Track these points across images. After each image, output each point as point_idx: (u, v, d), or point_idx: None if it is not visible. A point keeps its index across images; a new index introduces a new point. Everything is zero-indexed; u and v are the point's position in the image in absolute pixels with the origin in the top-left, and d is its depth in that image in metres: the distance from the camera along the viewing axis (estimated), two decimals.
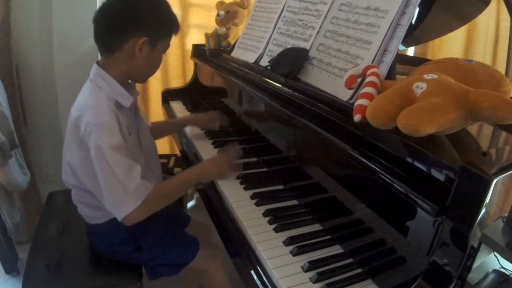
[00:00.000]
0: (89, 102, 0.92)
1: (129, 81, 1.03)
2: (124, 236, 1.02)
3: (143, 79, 1.11)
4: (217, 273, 1.09)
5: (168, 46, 1.02)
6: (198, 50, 1.79)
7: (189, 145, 1.38)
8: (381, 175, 0.68)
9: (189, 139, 1.41)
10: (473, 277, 0.57)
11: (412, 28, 1.20)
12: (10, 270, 1.59)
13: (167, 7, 0.99)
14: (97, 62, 0.99)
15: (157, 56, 1.00)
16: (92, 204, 1.01)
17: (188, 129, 1.48)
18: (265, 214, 0.92)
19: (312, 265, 0.75)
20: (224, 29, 1.66)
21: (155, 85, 2.00)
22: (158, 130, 1.34)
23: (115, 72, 0.96)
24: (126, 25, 0.92)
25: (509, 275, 0.59)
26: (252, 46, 1.34)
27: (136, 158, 0.92)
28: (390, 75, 0.85)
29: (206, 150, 1.30)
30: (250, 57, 1.31)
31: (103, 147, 0.85)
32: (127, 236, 1.02)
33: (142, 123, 1.11)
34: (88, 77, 0.98)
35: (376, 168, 0.69)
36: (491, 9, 1.87)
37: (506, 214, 0.57)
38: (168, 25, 0.99)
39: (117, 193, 0.87)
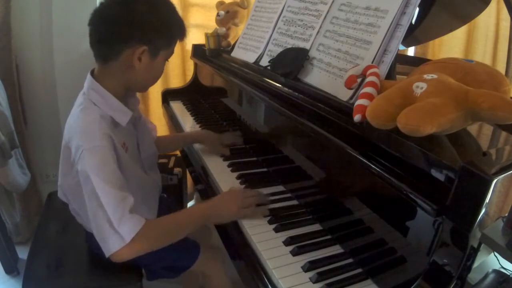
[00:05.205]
0: (80, 124, 0.84)
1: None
2: None
3: (143, 89, 1.04)
4: (217, 276, 1.08)
5: (171, 53, 0.94)
6: (198, 50, 1.79)
7: (189, 146, 1.38)
8: (381, 175, 0.68)
9: None
10: (473, 277, 0.57)
11: (412, 28, 1.20)
12: (10, 270, 1.59)
13: (172, 12, 0.91)
14: (92, 72, 0.91)
15: (159, 65, 0.93)
16: (88, 218, 0.99)
17: (188, 129, 1.48)
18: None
19: (312, 265, 0.75)
20: (224, 29, 1.66)
21: (155, 85, 1.98)
22: (167, 145, 1.29)
23: (111, 84, 0.88)
24: (124, 32, 0.84)
25: (509, 275, 0.59)
26: (252, 46, 1.34)
27: (131, 173, 0.89)
28: (390, 75, 0.85)
29: (206, 150, 1.30)
30: (250, 57, 1.31)
31: (93, 177, 0.78)
32: None
33: (144, 129, 1.06)
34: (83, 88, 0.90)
35: (376, 168, 0.69)
36: (491, 9, 1.87)
37: (506, 214, 0.57)
38: (172, 33, 0.91)
39: (104, 228, 0.78)
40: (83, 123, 0.84)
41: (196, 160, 1.28)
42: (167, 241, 0.87)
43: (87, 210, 0.81)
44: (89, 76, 0.90)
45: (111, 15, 0.85)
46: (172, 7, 0.91)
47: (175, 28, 0.91)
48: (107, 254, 0.79)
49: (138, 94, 1.07)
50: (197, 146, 1.33)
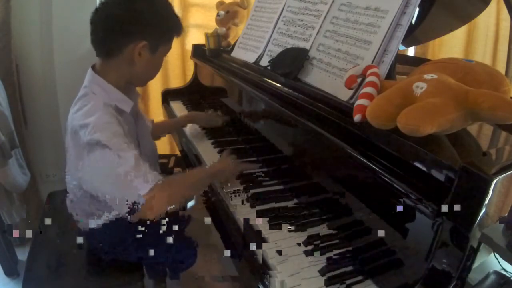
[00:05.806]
0: (86, 110, 0.87)
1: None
2: (117, 242, 0.99)
3: (143, 83, 1.10)
4: (216, 277, 1.08)
5: (169, 49, 0.99)
6: (198, 50, 1.79)
7: (189, 145, 1.38)
8: (381, 175, 0.68)
9: (189, 139, 1.41)
10: (473, 277, 0.57)
11: (412, 28, 1.20)
12: (10, 273, 1.59)
13: (170, 9, 0.95)
14: (93, 67, 0.94)
15: (158, 60, 0.97)
16: (92, 213, 0.99)
17: (188, 129, 1.48)
18: (265, 214, 0.92)
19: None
20: (224, 29, 1.66)
21: (155, 85, 2.00)
22: (160, 130, 1.37)
23: (113, 78, 0.92)
24: (125, 29, 0.88)
25: (509, 277, 0.59)
26: (252, 46, 1.34)
27: None
28: (390, 75, 0.85)
29: (206, 150, 1.30)
30: (250, 57, 1.31)
31: (108, 141, 0.81)
32: (121, 242, 0.99)
33: (144, 126, 1.09)
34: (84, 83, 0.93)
35: (376, 168, 0.69)
36: (491, 9, 1.87)
37: (506, 215, 0.57)
38: (170, 29, 0.95)
39: (125, 180, 0.80)
40: (88, 109, 0.86)
41: (196, 160, 1.28)
42: (185, 193, 0.95)
43: (100, 181, 0.84)
44: (90, 70, 0.93)
45: (113, 13, 0.89)
46: (168, 4, 0.96)
47: (172, 24, 0.96)
48: (132, 207, 0.80)
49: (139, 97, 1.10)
50: (196, 146, 1.33)
